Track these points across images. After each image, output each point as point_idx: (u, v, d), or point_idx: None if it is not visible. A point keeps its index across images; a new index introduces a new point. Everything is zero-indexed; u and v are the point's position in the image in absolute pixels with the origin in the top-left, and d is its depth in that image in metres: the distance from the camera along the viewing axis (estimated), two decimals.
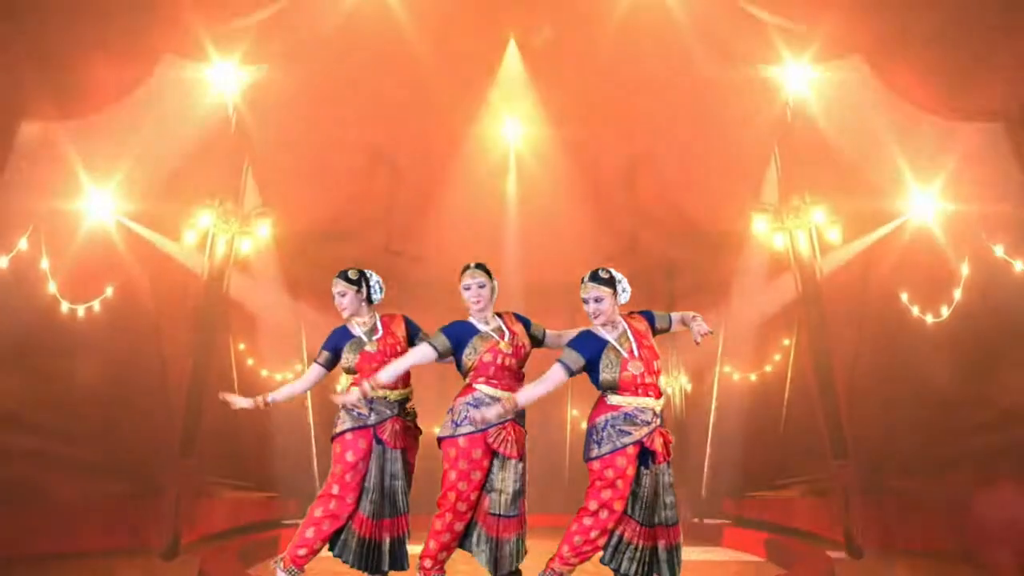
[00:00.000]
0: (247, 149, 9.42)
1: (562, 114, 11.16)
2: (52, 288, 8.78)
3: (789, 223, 8.73)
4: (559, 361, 3.59)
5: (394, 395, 3.87)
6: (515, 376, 3.77)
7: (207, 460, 12.04)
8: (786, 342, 13.58)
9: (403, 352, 3.90)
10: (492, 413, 3.48)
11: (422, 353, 3.75)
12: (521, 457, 3.71)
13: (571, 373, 3.59)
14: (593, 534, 3.50)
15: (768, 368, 14.01)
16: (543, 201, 13.22)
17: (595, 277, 3.68)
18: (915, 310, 9.68)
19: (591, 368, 3.62)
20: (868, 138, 8.75)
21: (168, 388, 9.85)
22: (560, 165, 12.34)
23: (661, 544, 3.55)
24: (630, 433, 3.49)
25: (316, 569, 4.11)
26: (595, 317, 3.65)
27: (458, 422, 3.66)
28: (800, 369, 12.83)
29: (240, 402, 3.96)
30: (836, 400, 8.15)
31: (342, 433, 3.83)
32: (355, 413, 3.82)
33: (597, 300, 3.63)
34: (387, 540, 3.83)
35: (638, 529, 3.51)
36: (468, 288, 3.79)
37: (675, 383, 13.72)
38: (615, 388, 3.56)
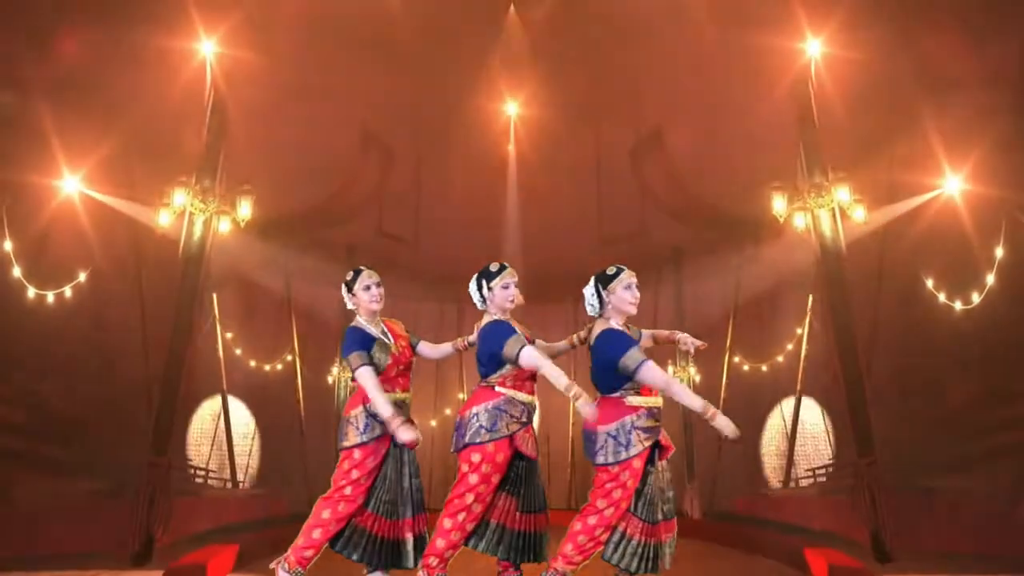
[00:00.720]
0: (227, 124, 8.75)
1: (565, 88, 10.49)
2: (17, 272, 8.19)
3: (811, 202, 8.07)
4: (645, 362, 3.54)
5: (409, 398, 3.98)
6: (533, 378, 3.79)
7: (187, 456, 11.55)
8: (798, 331, 13.03)
9: (411, 356, 4.05)
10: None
11: (535, 357, 3.63)
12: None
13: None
14: (598, 532, 3.53)
15: (780, 358, 13.46)
16: (545, 180, 12.59)
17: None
18: (941, 296, 9.16)
19: (620, 366, 3.57)
20: (897, 112, 8.14)
21: (149, 380, 9.28)
22: (563, 142, 11.69)
23: (658, 539, 3.61)
24: (650, 433, 3.55)
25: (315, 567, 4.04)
26: (635, 305, 3.71)
27: (488, 427, 3.64)
28: (814, 359, 12.28)
29: (413, 435, 3.79)
30: (862, 392, 7.54)
31: (366, 443, 3.81)
32: (379, 419, 3.77)
33: (638, 287, 3.74)
34: (410, 539, 3.84)
35: (641, 526, 3.54)
36: (507, 287, 3.79)
37: (683, 374, 13.11)
38: (638, 387, 3.60)
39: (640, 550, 3.55)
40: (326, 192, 10.68)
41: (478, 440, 3.65)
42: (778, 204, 8.37)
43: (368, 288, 3.96)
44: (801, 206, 8.22)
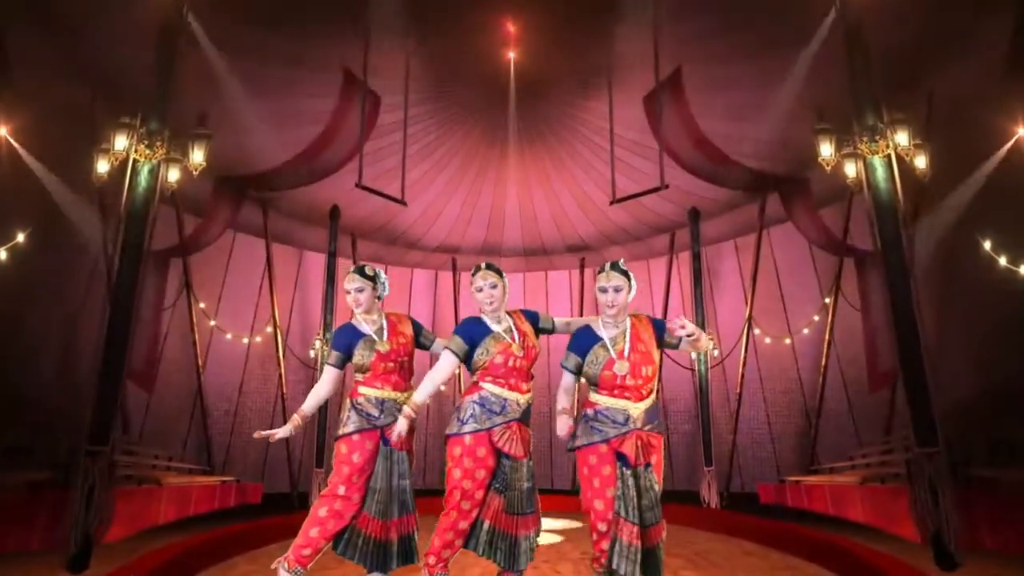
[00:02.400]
0: (186, 55, 7.51)
1: (572, 32, 9.18)
2: None
3: (864, 147, 6.83)
4: (563, 367, 3.72)
5: (402, 397, 3.89)
6: (524, 376, 3.79)
7: (147, 442, 10.56)
8: (827, 300, 11.94)
9: (412, 351, 4.02)
10: (561, 427, 3.64)
11: (450, 363, 3.79)
12: (528, 455, 3.77)
13: (576, 374, 3.71)
14: (599, 525, 3.53)
15: (805, 331, 12.38)
16: (549, 136, 11.36)
17: (615, 266, 3.71)
18: (1003, 260, 8.03)
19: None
20: (969, 32, 6.88)
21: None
22: (571, 94, 10.43)
23: (646, 543, 3.57)
24: (600, 431, 3.55)
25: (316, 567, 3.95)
26: (611, 307, 3.66)
27: (464, 420, 3.70)
28: (847, 331, 11.20)
29: (280, 433, 3.80)
30: (922, 375, 6.40)
31: (349, 434, 3.83)
32: (364, 413, 3.83)
33: (617, 290, 3.66)
34: (395, 540, 3.85)
35: (635, 530, 3.51)
36: (480, 290, 3.82)
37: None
38: (596, 385, 3.63)
39: (638, 556, 3.51)
40: (303, 143, 9.46)
41: (454, 432, 3.70)
42: (825, 149, 7.12)
43: (348, 292, 3.95)
44: (851, 152, 6.96)
